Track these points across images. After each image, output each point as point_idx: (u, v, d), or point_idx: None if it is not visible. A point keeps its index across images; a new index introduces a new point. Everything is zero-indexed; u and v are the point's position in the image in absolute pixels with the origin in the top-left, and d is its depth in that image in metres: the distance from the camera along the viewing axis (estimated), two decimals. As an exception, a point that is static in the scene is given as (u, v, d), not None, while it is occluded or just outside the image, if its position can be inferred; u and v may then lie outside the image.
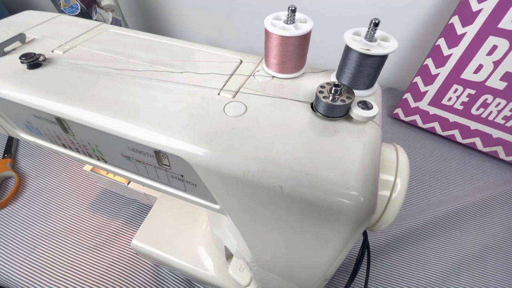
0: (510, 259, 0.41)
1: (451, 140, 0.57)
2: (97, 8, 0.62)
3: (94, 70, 0.22)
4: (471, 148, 0.56)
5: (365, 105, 0.18)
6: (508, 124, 0.50)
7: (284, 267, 0.23)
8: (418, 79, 0.55)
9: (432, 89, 0.54)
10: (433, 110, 0.56)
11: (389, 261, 0.41)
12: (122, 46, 0.25)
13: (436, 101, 0.55)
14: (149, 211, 0.39)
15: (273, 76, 0.22)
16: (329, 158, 0.16)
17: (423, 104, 0.56)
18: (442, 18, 0.54)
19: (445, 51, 0.49)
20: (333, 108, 0.18)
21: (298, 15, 0.20)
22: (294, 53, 0.20)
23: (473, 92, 0.50)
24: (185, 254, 0.35)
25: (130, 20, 0.84)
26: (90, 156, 0.24)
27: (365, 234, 0.26)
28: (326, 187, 0.15)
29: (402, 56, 0.64)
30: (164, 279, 0.39)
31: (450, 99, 0.53)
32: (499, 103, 0.49)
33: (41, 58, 0.23)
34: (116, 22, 0.66)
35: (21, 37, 0.25)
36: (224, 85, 0.21)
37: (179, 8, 0.77)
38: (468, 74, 0.49)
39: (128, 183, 0.42)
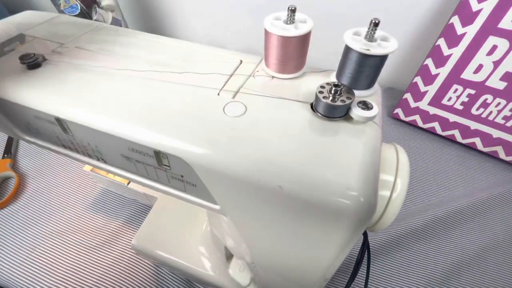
0: (510, 259, 0.41)
1: (451, 140, 0.57)
2: (97, 8, 0.62)
3: (94, 70, 0.22)
4: (471, 148, 0.56)
5: (365, 105, 0.18)
6: (508, 124, 0.50)
7: (284, 267, 0.23)
8: (418, 79, 0.55)
9: (432, 89, 0.54)
10: (433, 110, 0.56)
11: (389, 261, 0.41)
12: (122, 46, 0.25)
13: (436, 101, 0.55)
14: (149, 211, 0.39)
15: (273, 76, 0.22)
16: (329, 158, 0.16)
17: (423, 104, 0.56)
18: (442, 18, 0.54)
19: (445, 51, 0.49)
20: (333, 108, 0.18)
21: (298, 15, 0.20)
22: (294, 53, 0.20)
23: (473, 92, 0.50)
24: (185, 254, 0.35)
25: (130, 20, 0.84)
26: (90, 156, 0.24)
27: (365, 234, 0.26)
28: (326, 187, 0.15)
29: (402, 56, 0.64)
30: (164, 279, 0.39)
31: (450, 99, 0.53)
32: (499, 103, 0.49)
33: (41, 59, 0.23)
34: (116, 22, 0.66)
35: (21, 37, 0.25)
36: (224, 85, 0.21)
37: (179, 8, 0.77)
38: (468, 74, 0.49)
39: (128, 183, 0.42)
